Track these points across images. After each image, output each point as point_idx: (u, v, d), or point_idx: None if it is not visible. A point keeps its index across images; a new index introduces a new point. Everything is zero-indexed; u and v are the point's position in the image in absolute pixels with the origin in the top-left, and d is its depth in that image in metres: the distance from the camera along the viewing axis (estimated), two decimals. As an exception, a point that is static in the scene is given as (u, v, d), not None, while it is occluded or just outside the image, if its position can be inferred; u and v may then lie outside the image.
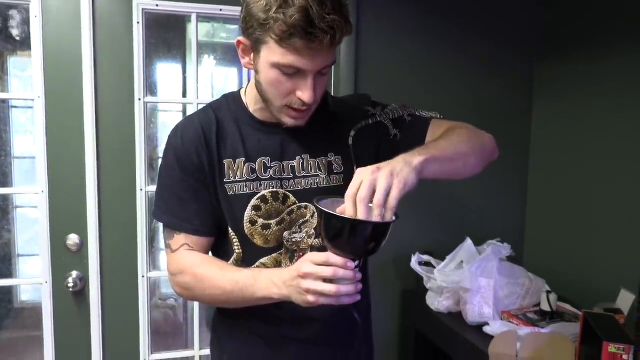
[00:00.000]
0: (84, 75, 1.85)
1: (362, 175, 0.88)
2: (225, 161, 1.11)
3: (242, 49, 1.03)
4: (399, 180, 0.86)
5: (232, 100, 1.17)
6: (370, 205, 0.87)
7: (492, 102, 2.26)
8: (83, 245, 1.93)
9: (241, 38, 1.01)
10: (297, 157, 1.12)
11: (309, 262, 0.94)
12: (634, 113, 1.79)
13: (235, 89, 1.23)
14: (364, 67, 2.09)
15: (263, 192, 1.10)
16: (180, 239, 1.13)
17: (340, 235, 0.89)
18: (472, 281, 1.80)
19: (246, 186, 1.10)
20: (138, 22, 1.88)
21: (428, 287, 2.00)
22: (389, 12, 2.10)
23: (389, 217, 0.87)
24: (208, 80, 2.23)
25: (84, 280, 1.95)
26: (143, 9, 1.88)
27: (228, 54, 2.26)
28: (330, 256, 0.92)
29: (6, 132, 2.00)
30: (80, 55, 1.84)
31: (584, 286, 2.00)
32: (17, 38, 1.85)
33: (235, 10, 1.96)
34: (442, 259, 1.95)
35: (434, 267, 1.94)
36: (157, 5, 1.89)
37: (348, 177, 1.04)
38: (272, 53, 0.96)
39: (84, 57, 1.84)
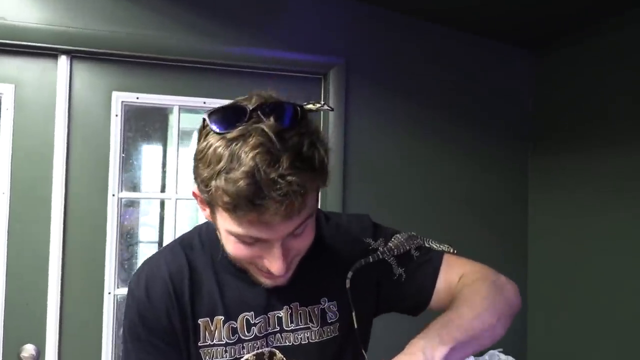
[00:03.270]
0: (54, 169, 1.73)
1: None
2: (201, 321, 0.90)
3: (199, 200, 0.83)
4: None
5: (207, 237, 0.94)
6: None
7: (486, 194, 2.17)
8: (39, 356, 1.72)
9: (195, 190, 0.83)
10: (285, 307, 0.92)
11: None
12: (633, 202, 1.70)
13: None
14: (353, 160, 2.01)
15: (246, 357, 0.90)
16: None
17: None
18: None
19: (225, 351, 0.90)
20: (117, 115, 1.80)
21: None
22: (377, 104, 2.05)
23: None
24: (189, 173, 2.11)
25: (37, 397, 1.72)
26: (122, 102, 1.81)
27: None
28: None
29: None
30: (52, 148, 1.74)
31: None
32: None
33: (220, 103, 1.89)
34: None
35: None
36: (137, 98, 1.82)
37: (344, 325, 0.92)
38: (224, 220, 0.77)
39: (56, 150, 1.74)
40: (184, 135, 1.92)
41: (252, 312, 0.91)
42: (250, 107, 0.74)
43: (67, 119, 1.75)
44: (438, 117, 2.13)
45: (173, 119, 1.88)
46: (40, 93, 1.74)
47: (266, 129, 0.70)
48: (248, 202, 0.70)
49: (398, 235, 0.99)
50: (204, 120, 0.76)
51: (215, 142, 0.72)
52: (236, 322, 0.90)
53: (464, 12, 1.98)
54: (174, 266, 0.91)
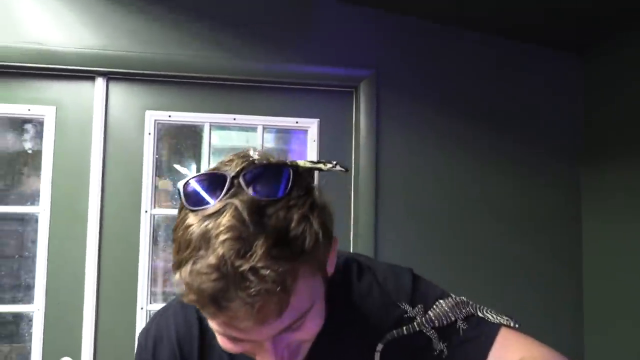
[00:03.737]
0: (90, 187, 1.79)
1: None
2: None
3: None
4: None
5: None
6: None
7: (535, 210, 2.03)
8: (76, 369, 1.77)
9: None
10: None
11: None
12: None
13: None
14: (385, 177, 1.94)
15: None
16: None
17: None
18: None
19: None
20: (149, 133, 1.84)
21: None
22: (411, 116, 1.98)
23: None
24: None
25: (73, 411, 1.75)
26: (155, 120, 1.85)
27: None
28: None
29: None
30: (89, 167, 1.80)
31: None
32: (29, 152, 1.84)
33: (249, 119, 1.91)
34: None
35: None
36: (169, 116, 1.86)
37: None
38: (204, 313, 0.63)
39: (92, 169, 1.80)
40: (215, 151, 1.93)
41: None
42: (232, 173, 0.60)
43: (103, 138, 1.81)
44: (478, 130, 2.02)
45: (205, 136, 1.90)
46: (78, 114, 1.82)
47: (239, 206, 0.56)
48: (213, 302, 0.56)
49: (442, 301, 0.79)
50: (179, 191, 0.62)
51: (189, 218, 0.59)
52: None
53: (501, 17, 1.89)
54: (183, 327, 0.80)
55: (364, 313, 0.78)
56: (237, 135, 2.10)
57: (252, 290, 0.54)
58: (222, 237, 0.55)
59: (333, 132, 1.95)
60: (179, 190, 0.62)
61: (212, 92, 1.89)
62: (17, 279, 1.81)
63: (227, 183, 0.58)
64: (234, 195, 0.57)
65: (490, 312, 0.80)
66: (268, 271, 0.54)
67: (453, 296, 0.81)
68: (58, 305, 1.77)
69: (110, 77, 1.83)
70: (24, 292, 1.80)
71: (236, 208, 0.56)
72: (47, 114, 1.80)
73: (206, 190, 0.59)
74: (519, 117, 2.05)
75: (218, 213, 0.56)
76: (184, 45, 1.85)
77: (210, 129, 1.89)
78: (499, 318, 0.79)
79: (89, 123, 1.81)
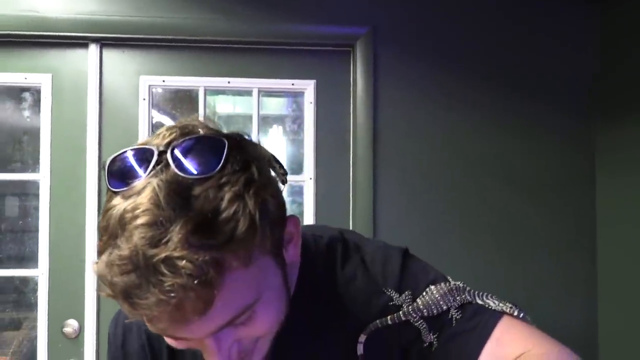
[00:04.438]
0: (87, 153, 1.81)
1: None
2: None
3: None
4: None
5: None
6: None
7: (544, 174, 1.93)
8: (81, 331, 1.81)
9: None
10: None
11: None
12: None
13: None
14: (384, 140, 1.88)
15: None
16: None
17: None
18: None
19: None
20: (144, 99, 1.84)
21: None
22: (410, 74, 1.90)
23: None
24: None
25: (79, 371, 1.81)
26: (149, 86, 1.84)
27: (248, 125, 2.14)
28: None
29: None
30: (85, 134, 1.82)
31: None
32: (28, 120, 1.87)
33: (244, 82, 1.88)
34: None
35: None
36: (163, 81, 1.85)
37: None
38: None
39: (89, 135, 1.81)
40: (219, 119, 1.92)
41: None
42: (161, 147, 0.53)
43: (98, 104, 1.82)
44: (483, 87, 1.92)
45: (200, 101, 1.88)
46: (74, 81, 1.83)
47: (157, 186, 0.49)
48: (125, 298, 0.49)
49: (433, 287, 0.70)
50: (104, 169, 0.55)
51: (113, 200, 0.52)
52: None
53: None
54: None
55: (347, 301, 0.70)
56: (242, 101, 2.06)
57: (166, 285, 0.47)
58: (135, 223, 0.48)
59: (330, 94, 1.90)
60: (103, 167, 0.54)
61: (205, 55, 1.87)
62: (22, 245, 1.86)
63: (154, 158, 0.51)
64: (159, 173, 0.50)
65: (492, 298, 0.70)
66: (183, 262, 0.47)
67: (449, 281, 0.71)
68: (61, 269, 1.81)
69: (103, 43, 1.83)
70: (29, 257, 1.84)
71: (154, 188, 0.49)
72: (44, 82, 1.81)
73: (130, 168, 0.52)
74: (528, 73, 1.94)
75: (137, 194, 0.49)
76: (176, 8, 1.82)
77: (205, 94, 1.87)
78: (501, 305, 0.69)
79: (85, 90, 1.82)
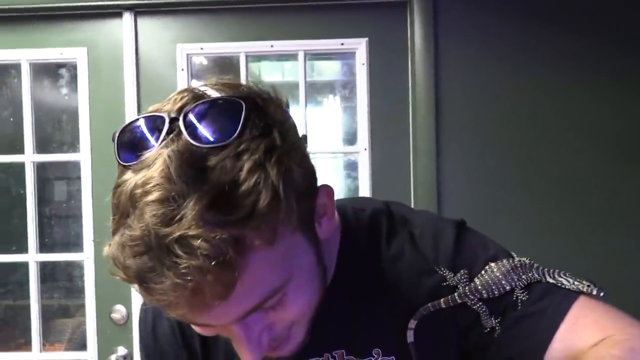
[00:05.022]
0: (126, 129, 1.72)
1: None
2: None
3: None
4: None
5: None
6: None
7: (632, 138, 1.67)
8: (129, 317, 1.75)
9: None
10: (326, 355, 0.66)
11: None
12: None
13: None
14: (447, 103, 1.68)
15: None
16: None
17: None
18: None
19: None
20: (182, 69, 1.72)
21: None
22: (476, 29, 1.68)
23: None
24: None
25: (129, 358, 1.75)
26: (187, 54, 1.72)
27: (295, 94, 1.99)
28: None
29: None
30: (123, 109, 1.73)
31: None
32: (66, 98, 1.81)
33: (288, 45, 1.72)
34: None
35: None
36: (202, 49, 1.72)
37: None
38: None
39: (127, 110, 1.73)
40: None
41: None
42: (172, 114, 0.48)
43: (136, 77, 1.73)
44: (560, 39, 1.68)
45: (242, 68, 1.73)
46: (110, 53, 1.74)
47: (168, 158, 0.44)
48: (140, 283, 0.46)
49: (494, 265, 0.62)
50: (113, 140, 0.51)
51: (124, 175, 0.47)
52: None
53: None
54: None
55: (394, 282, 0.64)
56: (289, 66, 1.91)
57: (182, 267, 0.43)
58: (146, 199, 0.44)
59: (384, 53, 1.71)
60: (113, 139, 0.50)
61: (245, 18, 1.73)
62: (67, 229, 1.81)
63: (166, 126, 0.47)
64: (171, 143, 0.46)
65: (566, 276, 0.61)
66: (199, 241, 0.42)
67: (514, 257, 0.63)
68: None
69: (137, 11, 1.72)
70: (74, 241, 1.79)
71: (164, 160, 0.44)
72: (79, 56, 1.73)
73: (141, 138, 0.48)
74: (611, 21, 1.67)
75: (147, 168, 0.45)
76: (212, -33, 1.68)
77: (247, 60, 1.72)
78: (576, 284, 0.59)
79: (121, 62, 1.73)
